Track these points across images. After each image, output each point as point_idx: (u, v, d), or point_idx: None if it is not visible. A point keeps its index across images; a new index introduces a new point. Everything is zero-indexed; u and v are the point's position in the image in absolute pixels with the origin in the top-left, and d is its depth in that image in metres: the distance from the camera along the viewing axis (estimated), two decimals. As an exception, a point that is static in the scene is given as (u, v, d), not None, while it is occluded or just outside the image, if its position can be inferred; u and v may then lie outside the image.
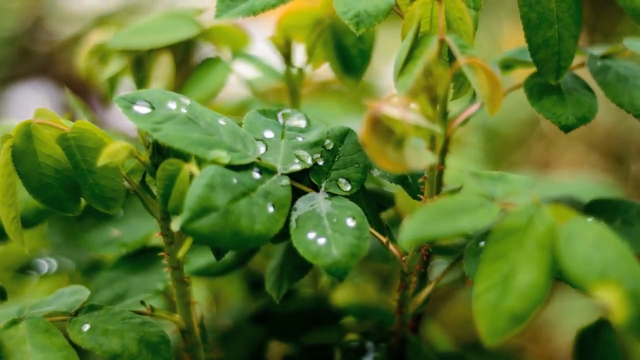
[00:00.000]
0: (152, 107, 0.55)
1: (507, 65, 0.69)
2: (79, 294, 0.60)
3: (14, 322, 0.55)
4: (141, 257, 0.70)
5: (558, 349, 1.23)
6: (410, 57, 0.52)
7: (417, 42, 0.53)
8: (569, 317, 1.20)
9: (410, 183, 0.61)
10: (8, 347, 0.53)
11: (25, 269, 0.80)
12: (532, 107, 0.63)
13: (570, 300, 1.18)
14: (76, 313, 0.58)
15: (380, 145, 0.47)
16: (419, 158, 0.49)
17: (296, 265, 0.60)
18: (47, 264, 0.79)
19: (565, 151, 1.59)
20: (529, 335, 1.22)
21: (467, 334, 0.94)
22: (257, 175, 0.54)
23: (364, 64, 0.75)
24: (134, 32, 0.75)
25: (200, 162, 0.55)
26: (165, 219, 0.58)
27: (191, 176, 0.53)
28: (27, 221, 0.67)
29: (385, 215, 0.70)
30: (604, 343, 0.65)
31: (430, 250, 0.62)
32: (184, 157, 0.55)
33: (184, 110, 0.56)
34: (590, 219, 0.48)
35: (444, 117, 0.55)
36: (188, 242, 0.58)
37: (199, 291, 0.85)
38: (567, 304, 1.18)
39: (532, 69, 0.64)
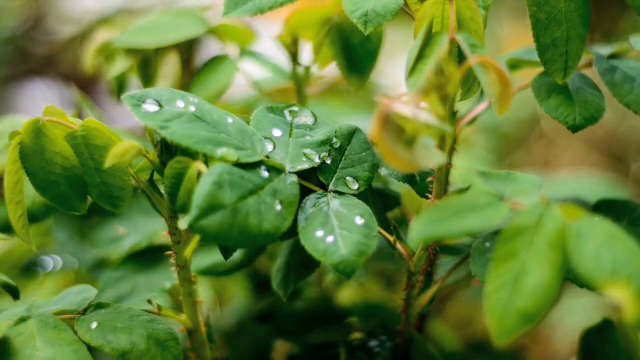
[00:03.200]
0: (161, 106, 0.55)
1: (514, 65, 0.69)
2: (86, 292, 0.60)
3: (23, 320, 0.55)
4: (148, 256, 0.70)
5: (559, 349, 1.23)
6: (421, 56, 0.52)
7: (428, 42, 0.53)
8: (571, 318, 1.20)
9: (419, 182, 0.62)
10: (17, 344, 0.53)
11: (30, 266, 0.80)
12: (539, 106, 0.63)
13: (571, 300, 1.18)
14: (84, 311, 0.57)
15: (391, 143, 0.47)
16: (428, 157, 0.49)
17: (303, 263, 0.60)
18: (52, 261, 0.79)
19: (565, 151, 1.59)
20: (531, 335, 1.22)
21: (472, 333, 0.94)
22: (265, 174, 0.54)
23: (370, 64, 0.75)
24: (141, 31, 0.75)
25: (208, 160, 0.55)
26: (173, 218, 0.58)
27: (199, 174, 0.53)
28: (34, 216, 0.67)
29: (392, 214, 0.70)
30: (608, 343, 0.65)
31: (437, 249, 0.62)
32: (192, 155, 0.55)
33: (192, 109, 0.56)
34: (599, 218, 0.48)
35: (452, 116, 0.55)
36: (195, 240, 0.58)
37: (204, 290, 0.84)
38: (568, 304, 1.18)
39: (537, 69, 0.64)
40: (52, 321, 0.55)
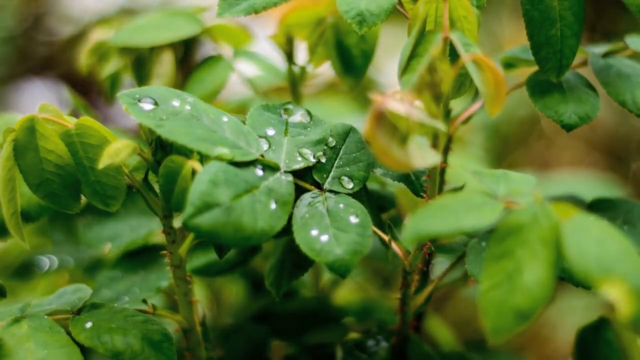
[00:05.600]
0: (156, 104, 0.55)
1: (510, 63, 0.69)
2: (81, 292, 0.59)
3: (16, 320, 0.55)
4: (142, 256, 0.70)
5: (559, 348, 1.23)
6: (414, 54, 0.52)
7: (421, 40, 0.53)
8: (570, 317, 1.20)
9: (414, 180, 0.61)
10: (10, 345, 0.53)
11: (26, 266, 0.79)
12: (534, 105, 0.63)
13: (571, 300, 1.18)
14: (79, 311, 0.57)
15: (385, 142, 0.47)
16: (423, 156, 0.49)
17: (296, 262, 0.60)
18: (48, 261, 0.79)
19: (565, 150, 1.59)
20: (530, 335, 1.22)
21: (472, 332, 0.94)
22: (260, 173, 0.54)
23: (365, 64, 0.75)
24: (136, 30, 0.75)
25: (203, 159, 0.55)
26: (167, 217, 0.58)
27: (193, 173, 0.53)
28: (29, 215, 0.67)
29: (387, 214, 0.70)
30: (603, 342, 0.65)
31: (432, 248, 0.62)
32: (187, 154, 0.55)
33: (187, 108, 0.56)
34: (593, 217, 0.48)
35: (446, 115, 0.55)
36: (190, 239, 0.58)
37: (200, 290, 0.84)
38: (568, 303, 1.18)
39: (534, 68, 0.64)
40: (46, 322, 0.55)
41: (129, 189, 0.59)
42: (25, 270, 0.80)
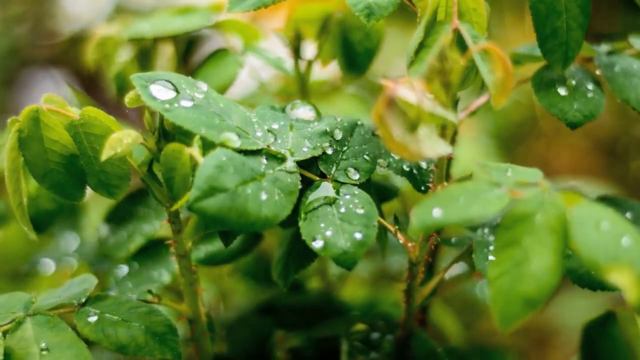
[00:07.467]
0: (167, 89, 0.55)
1: (517, 60, 0.69)
2: (87, 283, 0.58)
3: (20, 322, 0.54)
4: (150, 248, 0.69)
5: (563, 350, 1.23)
6: (423, 45, 0.52)
7: (430, 31, 0.53)
8: (573, 319, 1.20)
9: (415, 174, 0.61)
10: (17, 353, 0.52)
11: (33, 262, 0.79)
12: (539, 102, 0.63)
13: (574, 301, 1.17)
14: (84, 303, 0.56)
15: (394, 127, 0.46)
16: (433, 145, 0.49)
17: (303, 253, 0.60)
18: (54, 256, 0.78)
19: (564, 150, 1.59)
20: (534, 337, 1.21)
21: (473, 334, 0.94)
22: (266, 162, 0.54)
23: (368, 62, 0.76)
24: (146, 23, 0.75)
25: (207, 146, 0.54)
26: (172, 206, 0.58)
27: (194, 164, 0.52)
28: (38, 225, 0.67)
29: (393, 207, 0.70)
30: (609, 336, 0.65)
31: (438, 240, 0.62)
32: (187, 143, 0.54)
33: (198, 95, 0.56)
34: (599, 205, 0.48)
35: (454, 105, 0.55)
36: (192, 221, 0.57)
37: (207, 287, 0.84)
38: (571, 305, 1.18)
39: (537, 65, 0.64)
40: (51, 321, 0.54)
41: (138, 194, 0.58)
42: (32, 266, 0.79)
